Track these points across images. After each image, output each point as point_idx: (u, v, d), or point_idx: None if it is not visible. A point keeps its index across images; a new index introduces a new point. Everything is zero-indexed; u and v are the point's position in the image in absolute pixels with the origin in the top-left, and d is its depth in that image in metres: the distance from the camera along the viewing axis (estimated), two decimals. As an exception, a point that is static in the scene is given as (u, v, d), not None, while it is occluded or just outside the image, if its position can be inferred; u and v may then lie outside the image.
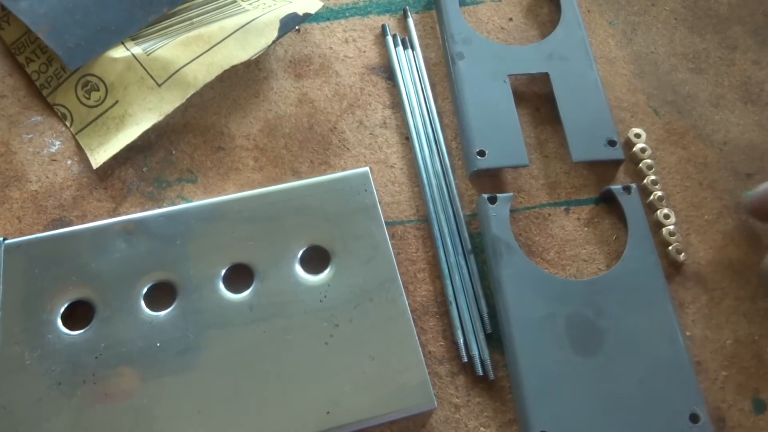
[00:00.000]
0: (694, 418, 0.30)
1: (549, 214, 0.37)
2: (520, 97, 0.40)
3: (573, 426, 0.30)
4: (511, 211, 0.36)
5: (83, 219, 0.35)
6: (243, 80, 0.40)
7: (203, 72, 0.36)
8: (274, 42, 0.37)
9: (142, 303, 0.31)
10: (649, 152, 0.38)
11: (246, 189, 0.36)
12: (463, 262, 0.35)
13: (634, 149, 0.38)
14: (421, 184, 0.37)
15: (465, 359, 0.33)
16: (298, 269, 0.32)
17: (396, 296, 0.32)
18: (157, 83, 0.36)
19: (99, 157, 0.36)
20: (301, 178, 0.37)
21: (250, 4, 0.40)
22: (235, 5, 0.40)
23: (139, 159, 0.37)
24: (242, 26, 0.37)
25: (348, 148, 0.38)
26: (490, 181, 0.38)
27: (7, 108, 0.38)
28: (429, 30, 0.43)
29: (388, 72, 0.41)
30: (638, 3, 0.45)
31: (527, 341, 0.32)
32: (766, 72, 0.42)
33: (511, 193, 0.36)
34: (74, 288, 0.31)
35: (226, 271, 0.32)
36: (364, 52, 0.41)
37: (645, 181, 0.37)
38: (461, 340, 0.33)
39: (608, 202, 0.37)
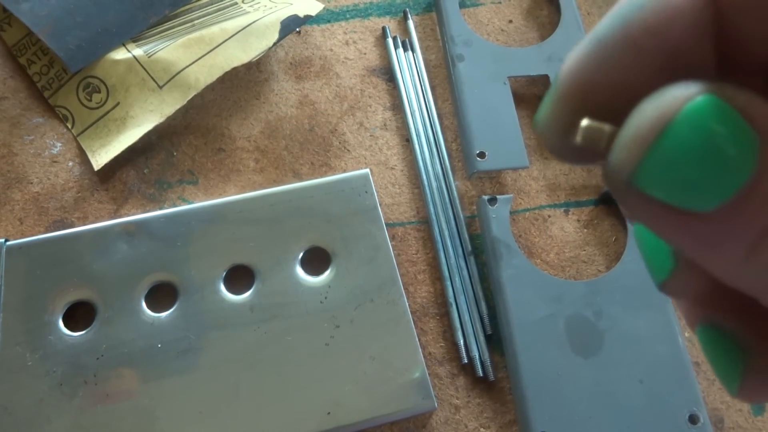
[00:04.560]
0: (693, 419, 0.30)
1: (549, 216, 0.37)
2: (520, 99, 0.40)
3: (573, 427, 0.30)
4: (511, 212, 0.37)
5: (84, 220, 0.35)
6: (244, 82, 0.40)
7: (204, 74, 0.36)
8: (274, 44, 0.38)
9: (143, 304, 0.31)
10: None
11: (247, 190, 0.36)
12: (463, 264, 0.35)
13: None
14: (421, 186, 0.37)
15: (465, 360, 0.33)
16: (299, 270, 0.32)
17: (396, 297, 0.32)
18: (158, 85, 0.36)
19: (100, 158, 0.36)
20: (301, 179, 0.37)
21: (250, 6, 0.40)
22: (235, 7, 0.40)
23: (140, 161, 0.37)
24: (243, 28, 0.37)
25: (348, 150, 0.38)
26: (490, 182, 0.38)
27: (9, 110, 0.38)
28: (429, 32, 0.43)
29: (388, 74, 0.41)
30: (637, 5, 0.45)
31: (527, 342, 0.32)
32: (765, 74, 0.42)
33: (511, 195, 0.36)
34: (75, 289, 0.31)
35: (227, 272, 0.32)
36: (365, 54, 0.42)
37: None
38: (461, 342, 0.33)
39: (608, 203, 0.37)
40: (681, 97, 0.10)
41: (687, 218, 0.11)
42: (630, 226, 0.35)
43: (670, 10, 0.11)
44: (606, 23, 0.11)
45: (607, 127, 0.11)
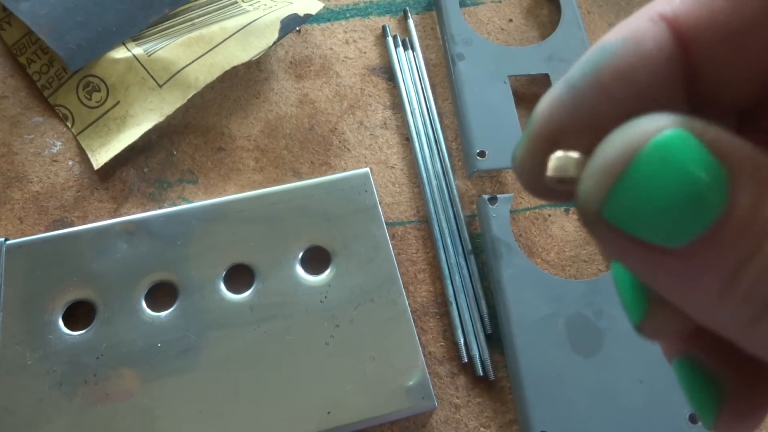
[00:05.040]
0: (693, 419, 0.30)
1: (549, 215, 0.37)
2: (520, 98, 0.40)
3: (573, 426, 0.30)
4: (511, 211, 0.36)
5: (84, 220, 0.35)
6: (244, 81, 0.40)
7: (204, 73, 0.36)
8: (274, 43, 0.38)
9: (143, 303, 0.31)
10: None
11: (247, 189, 0.36)
12: (463, 263, 0.35)
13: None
14: (421, 185, 0.37)
15: (465, 359, 0.33)
16: (299, 270, 0.32)
17: (396, 297, 0.32)
18: (158, 84, 0.36)
19: (100, 157, 0.36)
20: (301, 178, 0.37)
21: (250, 5, 0.40)
22: (235, 6, 0.40)
23: (140, 160, 0.37)
24: (243, 27, 0.37)
25: (348, 149, 0.38)
26: (490, 181, 0.38)
27: (9, 109, 0.38)
28: (429, 31, 0.43)
29: (388, 73, 0.41)
30: (638, 4, 0.45)
31: (527, 342, 0.32)
32: (766, 73, 0.42)
33: (512, 194, 0.36)
34: (75, 288, 0.31)
35: (227, 271, 0.32)
36: (365, 53, 0.42)
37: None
38: (461, 341, 0.33)
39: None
40: (649, 129, 0.10)
41: (657, 254, 0.10)
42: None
43: (640, 57, 0.11)
44: (578, 68, 0.12)
45: (574, 155, 0.11)
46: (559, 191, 0.12)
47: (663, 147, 0.10)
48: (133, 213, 0.35)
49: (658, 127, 0.10)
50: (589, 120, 0.11)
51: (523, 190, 0.38)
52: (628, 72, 0.11)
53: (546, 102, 0.12)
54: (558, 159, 0.11)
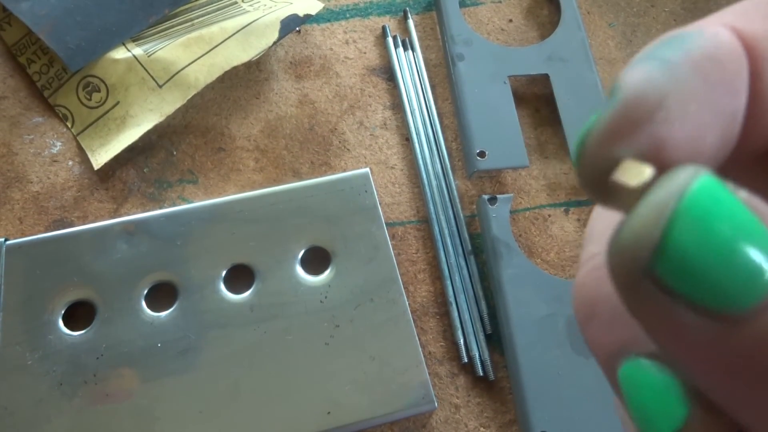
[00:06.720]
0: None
1: (549, 215, 0.37)
2: (520, 99, 0.40)
3: (573, 427, 0.30)
4: (511, 212, 0.36)
5: (84, 220, 0.35)
6: (244, 81, 0.40)
7: (204, 73, 0.36)
8: (274, 43, 0.38)
9: (143, 303, 0.31)
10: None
11: (247, 190, 0.36)
12: (463, 263, 0.35)
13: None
14: (421, 185, 0.37)
15: (465, 360, 0.33)
16: (299, 270, 0.32)
17: (396, 297, 0.32)
18: (158, 84, 0.36)
19: (100, 158, 0.36)
20: (301, 178, 0.37)
21: (250, 5, 0.40)
22: (235, 6, 0.40)
23: (140, 160, 0.37)
24: (243, 27, 0.37)
25: (348, 149, 0.38)
26: (490, 182, 0.38)
27: (9, 109, 0.38)
28: (429, 31, 0.43)
29: (388, 73, 0.41)
30: (638, 5, 0.45)
31: (527, 342, 0.32)
32: (766, 73, 0.42)
33: (511, 194, 0.36)
34: (75, 289, 0.31)
35: (227, 271, 0.32)
36: (365, 53, 0.42)
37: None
38: (461, 341, 0.33)
39: (608, 203, 0.37)
40: (693, 173, 0.09)
41: (716, 325, 0.09)
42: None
43: (721, 44, 0.11)
44: (663, 46, 0.11)
45: (650, 171, 0.10)
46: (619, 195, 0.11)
47: (709, 191, 0.09)
48: (133, 213, 0.35)
49: (698, 172, 0.09)
50: (686, 99, 0.10)
51: (522, 189, 0.38)
52: (715, 54, 0.10)
53: (639, 74, 0.10)
54: (638, 165, 0.10)
